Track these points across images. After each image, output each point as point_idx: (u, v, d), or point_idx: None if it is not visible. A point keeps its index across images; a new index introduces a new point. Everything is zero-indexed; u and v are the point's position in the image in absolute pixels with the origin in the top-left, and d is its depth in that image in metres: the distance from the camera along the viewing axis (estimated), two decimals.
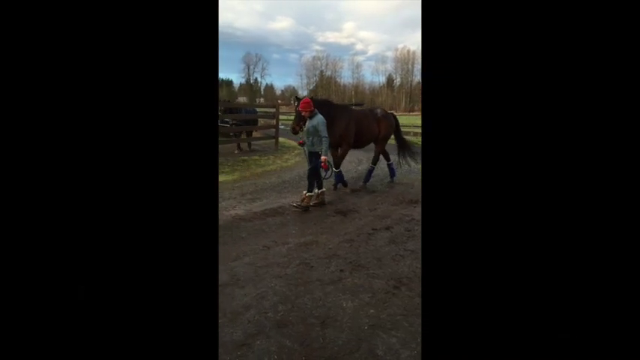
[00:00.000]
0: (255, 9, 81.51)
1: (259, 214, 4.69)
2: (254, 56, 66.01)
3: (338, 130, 5.72)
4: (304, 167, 6.35)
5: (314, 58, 64.63)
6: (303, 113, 5.04)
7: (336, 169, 5.87)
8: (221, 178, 6.78)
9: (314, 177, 5.07)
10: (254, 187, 6.09)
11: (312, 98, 5.40)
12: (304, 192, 5.03)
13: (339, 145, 5.94)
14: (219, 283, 2.90)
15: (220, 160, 8.54)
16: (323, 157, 4.88)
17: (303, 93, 63.74)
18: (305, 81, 63.95)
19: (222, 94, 58.54)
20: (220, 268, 3.17)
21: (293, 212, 4.85)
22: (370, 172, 6.47)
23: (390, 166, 6.78)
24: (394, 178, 6.76)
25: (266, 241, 3.80)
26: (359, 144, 6.27)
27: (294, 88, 65.79)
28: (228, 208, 4.91)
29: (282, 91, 66.29)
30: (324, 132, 4.87)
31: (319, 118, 4.94)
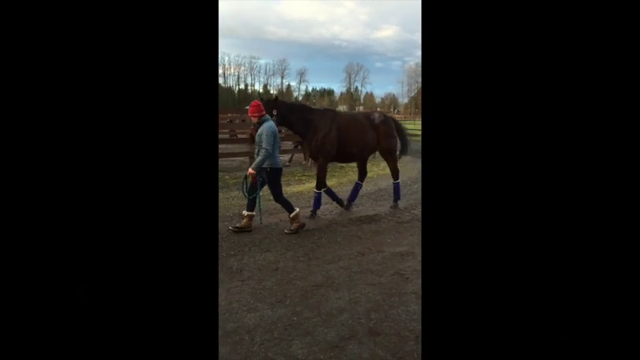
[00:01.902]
0: (361, 20, 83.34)
1: (355, 220, 4.75)
2: (355, 65, 67.44)
3: (314, 141, 4.72)
4: (403, 176, 6.21)
5: (417, 64, 62.89)
6: (252, 119, 4.19)
7: (318, 189, 4.86)
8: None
9: (282, 197, 4.28)
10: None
11: (273, 100, 4.53)
12: (289, 214, 4.26)
13: (316, 159, 4.93)
14: (315, 283, 3.02)
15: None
16: (249, 170, 4.02)
17: (403, 100, 62.54)
18: (406, 88, 62.76)
19: (324, 102, 60.95)
20: (316, 268, 3.30)
21: (388, 221, 4.78)
22: (396, 189, 5.47)
23: (357, 186, 5.48)
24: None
25: (360, 248, 3.82)
26: (346, 157, 5.07)
27: (394, 95, 65.12)
28: (325, 213, 5.08)
29: (382, 98, 66.18)
30: (264, 142, 3.98)
31: (265, 126, 4.05)
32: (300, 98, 66.97)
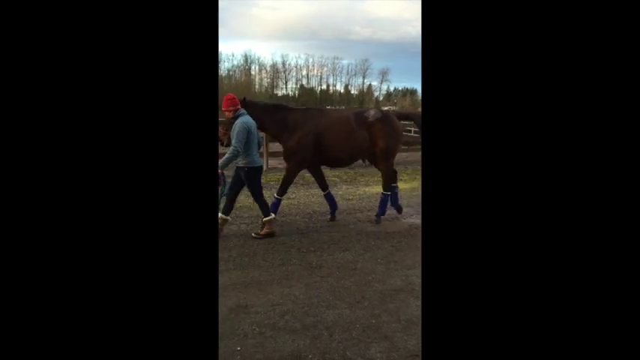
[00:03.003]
0: None
1: None
2: None
3: (290, 142, 4.24)
4: None
5: None
6: (226, 114, 3.86)
7: (279, 195, 4.35)
8: (399, 185, 6.88)
9: (261, 199, 4.02)
10: None
11: (242, 101, 4.03)
12: (264, 217, 4.02)
13: (287, 162, 4.40)
14: (394, 287, 2.96)
15: (399, 168, 8.67)
16: (219, 171, 3.74)
17: None
18: None
19: (405, 102, 59.34)
20: (395, 273, 3.23)
21: None
22: (383, 201, 4.65)
23: (394, 189, 4.84)
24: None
25: None
26: (330, 161, 4.47)
27: None
28: (405, 216, 4.94)
29: None
30: (235, 140, 3.69)
31: (237, 122, 3.75)
32: (382, 98, 66.15)
